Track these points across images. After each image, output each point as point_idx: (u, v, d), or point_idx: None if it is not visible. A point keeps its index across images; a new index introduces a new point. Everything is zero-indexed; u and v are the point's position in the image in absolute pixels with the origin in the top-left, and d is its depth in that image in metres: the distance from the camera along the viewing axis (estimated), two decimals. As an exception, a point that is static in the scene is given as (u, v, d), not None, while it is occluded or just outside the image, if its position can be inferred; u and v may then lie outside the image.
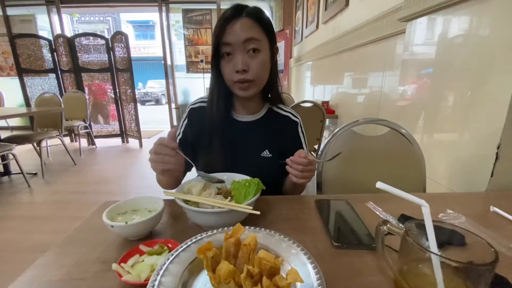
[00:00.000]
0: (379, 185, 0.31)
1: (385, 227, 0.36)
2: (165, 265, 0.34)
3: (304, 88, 3.80)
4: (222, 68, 0.72)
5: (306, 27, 3.51)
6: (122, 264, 0.40)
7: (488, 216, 0.60)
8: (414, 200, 0.30)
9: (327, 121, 2.34)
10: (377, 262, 0.43)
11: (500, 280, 0.39)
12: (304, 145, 0.85)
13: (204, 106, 0.81)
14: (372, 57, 1.76)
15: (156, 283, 0.31)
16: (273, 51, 0.75)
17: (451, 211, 0.59)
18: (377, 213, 0.59)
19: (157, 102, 12.92)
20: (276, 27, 4.73)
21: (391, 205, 0.61)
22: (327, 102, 2.57)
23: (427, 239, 0.31)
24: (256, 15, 0.69)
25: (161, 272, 0.33)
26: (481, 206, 0.65)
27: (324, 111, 2.19)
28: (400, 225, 0.52)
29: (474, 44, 0.84)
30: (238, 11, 0.67)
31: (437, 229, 0.31)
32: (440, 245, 0.33)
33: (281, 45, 4.17)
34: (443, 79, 0.98)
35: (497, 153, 0.76)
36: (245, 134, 0.80)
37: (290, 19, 4.48)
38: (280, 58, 4.24)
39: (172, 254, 0.37)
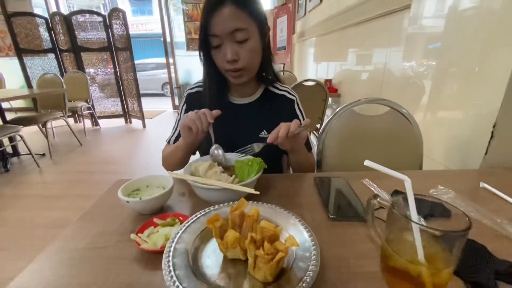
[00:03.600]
0: (367, 163, 0.34)
1: (375, 201, 0.40)
2: (179, 234, 0.39)
3: (307, 65, 3.74)
4: (213, 57, 0.72)
5: (310, 1, 3.37)
6: (139, 235, 0.45)
7: (477, 191, 0.64)
8: (398, 176, 0.34)
9: (330, 99, 2.33)
10: (368, 232, 0.47)
11: (480, 248, 0.43)
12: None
13: (201, 91, 0.82)
14: (377, 33, 1.72)
15: (172, 248, 0.36)
16: (264, 32, 0.73)
17: (442, 187, 0.63)
18: (372, 189, 0.63)
19: (158, 81, 12.74)
20: (278, 1, 4.54)
21: (386, 182, 0.65)
22: (330, 81, 2.55)
23: (411, 211, 0.35)
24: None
25: (175, 240, 0.38)
26: (472, 182, 0.68)
27: (326, 90, 2.18)
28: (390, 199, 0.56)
29: (477, 22, 0.83)
30: None
31: (420, 202, 0.35)
32: (425, 217, 0.37)
33: (283, 20, 4.04)
34: (445, 58, 0.98)
35: (492, 132, 0.78)
36: (242, 116, 0.81)
37: (293, -8, 4.29)
38: (283, 34, 4.13)
39: (184, 225, 0.41)
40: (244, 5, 0.66)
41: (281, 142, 0.62)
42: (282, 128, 0.61)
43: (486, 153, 0.81)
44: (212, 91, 0.78)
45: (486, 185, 0.64)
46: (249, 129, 0.81)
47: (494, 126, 0.78)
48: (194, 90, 0.85)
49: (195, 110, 0.64)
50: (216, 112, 0.65)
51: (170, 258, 0.35)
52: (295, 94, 0.87)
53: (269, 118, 0.81)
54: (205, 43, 0.70)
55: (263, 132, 0.81)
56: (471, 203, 0.57)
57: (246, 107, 0.83)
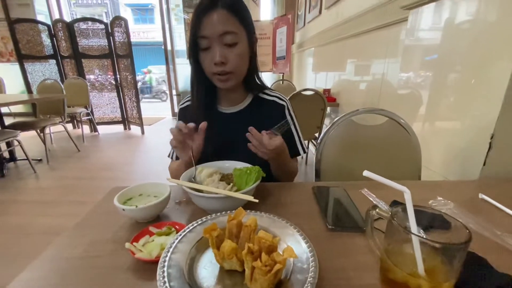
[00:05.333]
0: (366, 173, 0.34)
1: (374, 212, 0.40)
2: (174, 244, 0.38)
3: (306, 75, 3.78)
4: (201, 60, 0.72)
5: (309, 12, 3.44)
6: (134, 244, 0.44)
7: (476, 203, 0.63)
8: (397, 187, 0.33)
9: (328, 109, 2.35)
10: (367, 243, 0.47)
11: (480, 261, 0.43)
12: (292, 128, 0.85)
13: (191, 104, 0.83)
14: (375, 44, 1.75)
15: (167, 259, 0.35)
16: (252, 40, 0.74)
17: (440, 198, 0.62)
18: (371, 199, 0.63)
19: (158, 88, 12.80)
20: (278, 12, 4.63)
21: (385, 192, 0.65)
22: (328, 90, 2.57)
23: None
24: (232, 6, 0.68)
25: (171, 250, 0.37)
26: (471, 194, 0.68)
27: (325, 99, 2.20)
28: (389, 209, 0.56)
29: (474, 35, 0.85)
30: (213, 1, 0.66)
31: (420, 213, 0.34)
32: (425, 229, 0.37)
33: (283, 30, 4.10)
34: (442, 69, 0.99)
35: (490, 143, 0.79)
36: (232, 125, 0.81)
37: (293, 4, 4.38)
38: (282, 44, 4.18)
39: (180, 234, 0.40)
40: (235, 11, 0.68)
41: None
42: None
43: (484, 164, 0.81)
44: (200, 99, 0.78)
45: (485, 197, 0.64)
46: (240, 138, 0.79)
47: (492, 137, 0.78)
48: (184, 105, 0.87)
49: (173, 127, 0.66)
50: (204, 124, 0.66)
51: (165, 269, 0.34)
52: (286, 100, 0.86)
53: (260, 125, 0.79)
54: (194, 46, 0.71)
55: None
56: (470, 215, 0.56)
57: (235, 116, 0.82)
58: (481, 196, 0.64)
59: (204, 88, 0.78)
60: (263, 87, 0.85)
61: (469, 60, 0.86)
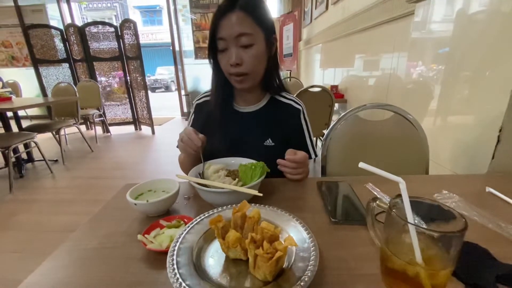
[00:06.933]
0: (361, 165, 0.35)
1: (374, 204, 0.41)
2: (183, 235, 0.40)
3: (314, 71, 3.76)
4: (219, 61, 0.75)
5: (316, 8, 3.42)
6: (145, 236, 0.47)
7: (482, 196, 0.63)
8: (392, 178, 0.34)
9: (336, 105, 2.33)
10: (369, 236, 0.48)
11: (482, 251, 0.43)
12: (306, 133, 0.86)
13: (208, 100, 0.86)
14: (382, 39, 1.73)
15: (176, 248, 0.38)
16: (270, 41, 0.75)
17: (445, 191, 0.62)
18: (375, 193, 0.64)
19: (167, 88, 13.02)
20: (284, 9, 4.61)
21: (389, 186, 0.65)
22: (336, 86, 2.55)
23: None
24: (250, 6, 0.68)
25: (180, 240, 0.39)
26: (478, 187, 0.68)
27: (332, 95, 2.18)
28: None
29: (479, 29, 0.84)
30: (231, 3, 0.68)
31: (417, 204, 0.35)
32: (427, 221, 0.38)
33: (290, 27, 4.08)
34: (449, 63, 0.98)
35: (498, 136, 0.78)
36: (247, 124, 0.83)
37: (299, 0, 4.36)
38: (289, 41, 4.17)
39: (189, 226, 0.43)
40: (252, 12, 0.69)
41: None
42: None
43: (493, 157, 0.80)
44: (218, 98, 0.80)
45: (492, 190, 0.64)
46: (254, 137, 0.82)
47: (500, 130, 0.77)
48: (201, 101, 0.89)
49: (185, 130, 0.70)
50: (203, 137, 0.69)
51: (174, 257, 0.36)
52: (302, 105, 0.87)
53: (274, 126, 0.82)
54: (213, 47, 0.74)
55: (268, 140, 0.82)
56: (475, 208, 0.56)
57: (251, 115, 0.84)
58: (488, 189, 0.64)
59: (222, 87, 0.80)
60: (280, 89, 0.86)
61: (478, 53, 0.85)
